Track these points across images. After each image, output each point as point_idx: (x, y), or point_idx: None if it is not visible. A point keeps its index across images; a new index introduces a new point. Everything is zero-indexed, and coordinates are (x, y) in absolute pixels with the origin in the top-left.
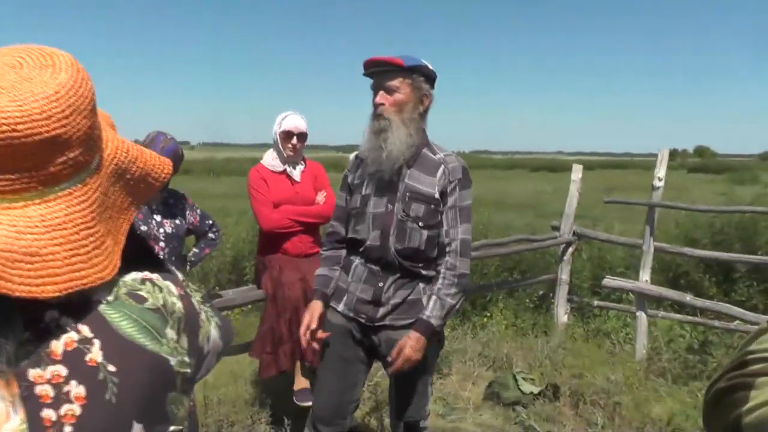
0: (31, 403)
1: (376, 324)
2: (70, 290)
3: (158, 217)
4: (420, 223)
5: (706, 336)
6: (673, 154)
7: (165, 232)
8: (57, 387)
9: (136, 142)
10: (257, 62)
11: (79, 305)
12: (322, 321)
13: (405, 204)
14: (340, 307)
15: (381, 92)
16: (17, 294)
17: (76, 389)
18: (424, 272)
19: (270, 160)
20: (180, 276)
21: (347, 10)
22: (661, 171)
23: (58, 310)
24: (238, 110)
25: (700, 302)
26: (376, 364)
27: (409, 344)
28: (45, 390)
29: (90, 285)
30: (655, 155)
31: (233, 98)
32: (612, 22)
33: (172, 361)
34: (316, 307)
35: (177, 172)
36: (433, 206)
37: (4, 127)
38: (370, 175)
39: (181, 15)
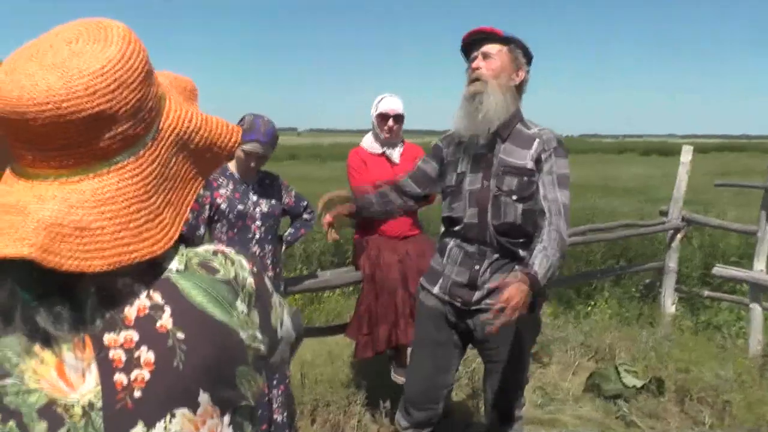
0: (104, 366)
1: (472, 308)
2: (118, 265)
3: (255, 197)
4: (514, 197)
5: None
6: None
7: (261, 211)
8: (129, 352)
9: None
10: (362, 46)
11: (151, 273)
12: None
13: (499, 178)
14: (435, 290)
15: (479, 57)
16: (65, 268)
17: (146, 354)
18: (521, 252)
19: (369, 142)
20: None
21: None
22: None
23: (131, 276)
24: (343, 96)
25: None
26: (473, 350)
27: (517, 292)
28: (118, 354)
29: (139, 259)
30: None
31: (339, 84)
32: None
33: (242, 334)
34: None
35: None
36: (526, 178)
37: (51, 105)
38: (465, 150)
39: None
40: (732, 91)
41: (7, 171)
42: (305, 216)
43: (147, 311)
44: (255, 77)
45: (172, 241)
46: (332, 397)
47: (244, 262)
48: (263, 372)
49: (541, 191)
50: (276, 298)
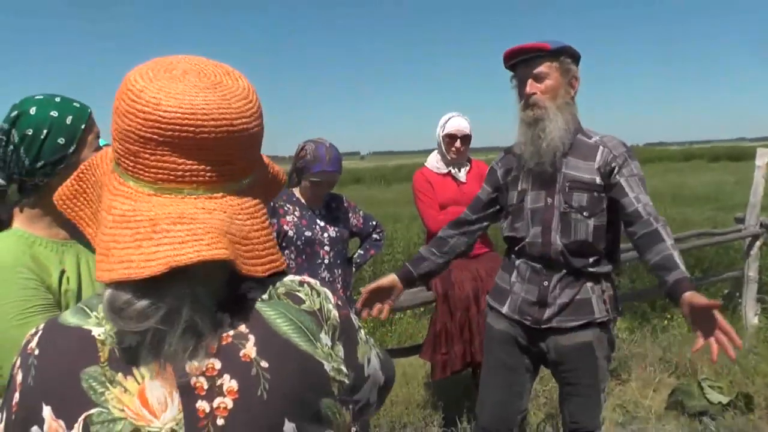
0: (186, 394)
1: (543, 327)
2: (271, 271)
3: (322, 222)
4: (585, 213)
5: None
6: None
7: (329, 236)
8: (211, 379)
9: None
10: (421, 68)
11: (235, 301)
12: (386, 291)
13: (566, 195)
14: (504, 309)
15: (530, 80)
16: (242, 271)
17: (229, 383)
18: (591, 269)
19: (434, 162)
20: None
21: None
22: None
23: (216, 304)
24: (404, 117)
25: None
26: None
27: (701, 301)
28: (200, 382)
29: (281, 268)
30: None
31: (400, 104)
32: None
33: (327, 366)
34: (388, 277)
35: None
36: (596, 193)
37: (224, 122)
38: (527, 169)
39: (352, 27)
40: None
41: (124, 186)
42: (374, 236)
43: (231, 339)
44: (314, 101)
45: (282, 260)
46: (409, 419)
47: (330, 295)
48: (350, 408)
49: (630, 193)
50: (363, 335)
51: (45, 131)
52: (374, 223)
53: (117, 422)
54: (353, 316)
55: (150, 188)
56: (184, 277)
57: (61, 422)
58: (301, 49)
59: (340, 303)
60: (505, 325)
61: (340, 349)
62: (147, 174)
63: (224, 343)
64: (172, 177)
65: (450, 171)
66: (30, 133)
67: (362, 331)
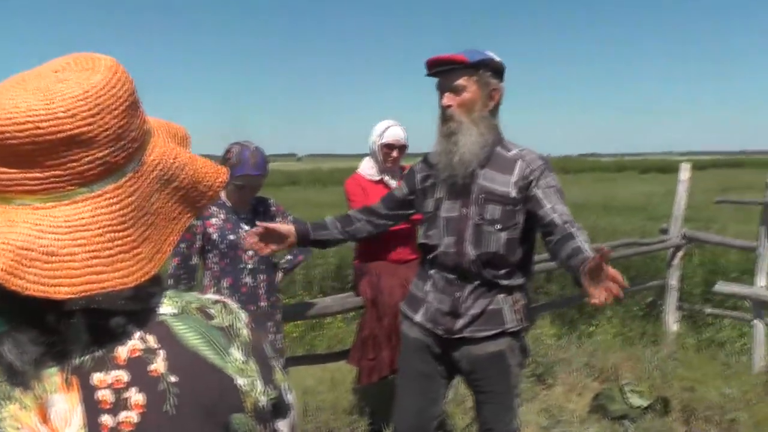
0: (90, 407)
1: (455, 336)
2: (87, 293)
3: (246, 227)
4: (498, 226)
5: None
6: None
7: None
8: (117, 392)
9: (228, 153)
10: (359, 73)
11: (146, 315)
12: (277, 232)
13: (480, 206)
14: (418, 318)
15: (447, 93)
16: (29, 292)
17: (135, 396)
18: (504, 282)
19: (367, 169)
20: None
21: (430, 9)
22: None
23: (125, 317)
24: (342, 120)
25: None
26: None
27: (601, 264)
28: (105, 395)
29: (110, 290)
30: None
31: (337, 108)
32: (720, 10)
33: (239, 380)
34: (287, 227)
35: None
36: (510, 206)
37: (29, 125)
38: (443, 179)
39: (286, 30)
40: (730, 106)
41: None
42: None
43: (140, 353)
44: (252, 103)
45: (148, 276)
46: (335, 424)
47: (242, 316)
48: (269, 426)
49: (547, 204)
50: (278, 364)
51: None
52: None
53: None
54: (266, 345)
55: None
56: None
57: None
58: (237, 47)
59: (252, 326)
60: (419, 334)
61: (253, 364)
62: None
63: (133, 356)
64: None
65: (383, 178)
66: None
67: (278, 361)
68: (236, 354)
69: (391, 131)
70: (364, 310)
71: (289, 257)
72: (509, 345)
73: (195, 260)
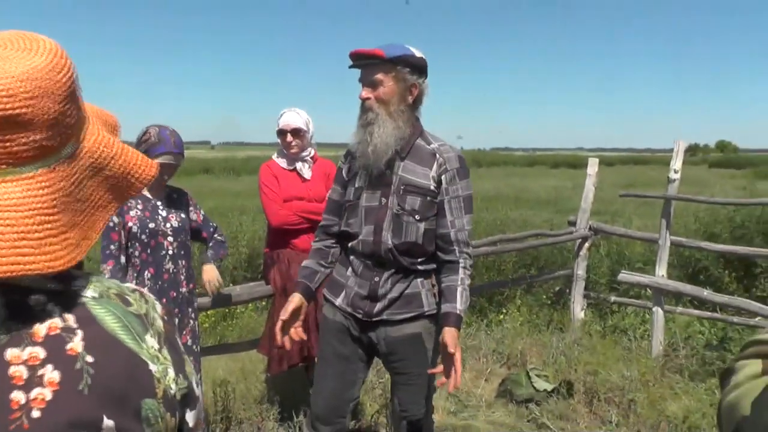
0: (1, 383)
1: (374, 319)
2: (13, 273)
3: (164, 212)
4: (416, 216)
5: (726, 332)
6: (694, 149)
7: (172, 226)
8: (32, 369)
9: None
10: (271, 60)
11: (67, 296)
12: (299, 315)
13: (400, 197)
14: (338, 302)
15: (366, 87)
16: None
17: (50, 374)
18: (421, 267)
19: (280, 157)
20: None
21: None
22: (677, 163)
23: (46, 295)
24: (256, 109)
25: (718, 297)
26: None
27: (452, 343)
28: (19, 371)
29: (37, 272)
30: None
31: (251, 98)
32: (631, 14)
33: (152, 366)
34: (293, 299)
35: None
36: (429, 198)
37: None
38: (361, 167)
39: (194, 15)
40: (636, 107)
41: None
42: (218, 237)
43: (58, 331)
44: (165, 88)
45: (75, 261)
46: (245, 414)
47: (158, 307)
48: (176, 416)
49: (448, 216)
50: (189, 359)
51: None
52: (214, 225)
53: None
54: (178, 338)
55: None
56: None
57: None
58: (147, 32)
59: (166, 317)
60: (339, 317)
61: (167, 353)
62: None
63: (51, 333)
64: None
65: (296, 167)
66: None
67: (189, 358)
68: (151, 341)
69: (283, 117)
70: (274, 299)
71: (211, 251)
72: (426, 328)
73: (123, 259)
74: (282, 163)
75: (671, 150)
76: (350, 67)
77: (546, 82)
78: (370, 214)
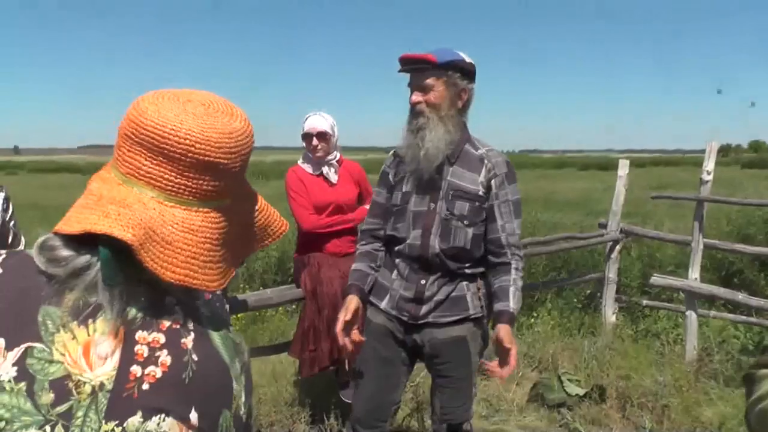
0: (127, 356)
1: (419, 322)
2: (182, 282)
3: None
4: (465, 221)
5: (762, 337)
6: (726, 149)
7: None
8: (152, 350)
9: None
10: (298, 62)
11: (192, 305)
12: (358, 316)
13: (449, 202)
14: (383, 305)
15: (416, 90)
16: (146, 265)
17: (164, 357)
18: (467, 271)
19: (305, 162)
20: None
21: (379, 7)
22: (709, 164)
23: (177, 300)
24: (284, 113)
25: (754, 301)
26: (419, 364)
27: (508, 339)
28: (142, 350)
29: (196, 286)
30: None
31: (277, 101)
32: (661, 14)
33: (234, 384)
34: (352, 301)
35: None
36: (477, 203)
37: (187, 142)
38: (410, 172)
39: (215, 18)
40: (667, 107)
41: (108, 174)
42: None
43: (178, 327)
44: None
45: (220, 287)
46: (276, 417)
47: (245, 346)
48: None
49: (499, 221)
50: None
51: None
52: None
53: (53, 364)
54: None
55: (120, 178)
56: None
57: (7, 341)
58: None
59: (247, 354)
60: (383, 319)
61: (243, 381)
62: (122, 166)
63: (173, 326)
64: (136, 174)
65: (322, 172)
66: None
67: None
68: (236, 365)
69: (308, 121)
70: (305, 302)
71: None
72: (471, 331)
73: None
74: (308, 168)
75: (702, 150)
76: (399, 71)
77: (574, 83)
78: (418, 219)
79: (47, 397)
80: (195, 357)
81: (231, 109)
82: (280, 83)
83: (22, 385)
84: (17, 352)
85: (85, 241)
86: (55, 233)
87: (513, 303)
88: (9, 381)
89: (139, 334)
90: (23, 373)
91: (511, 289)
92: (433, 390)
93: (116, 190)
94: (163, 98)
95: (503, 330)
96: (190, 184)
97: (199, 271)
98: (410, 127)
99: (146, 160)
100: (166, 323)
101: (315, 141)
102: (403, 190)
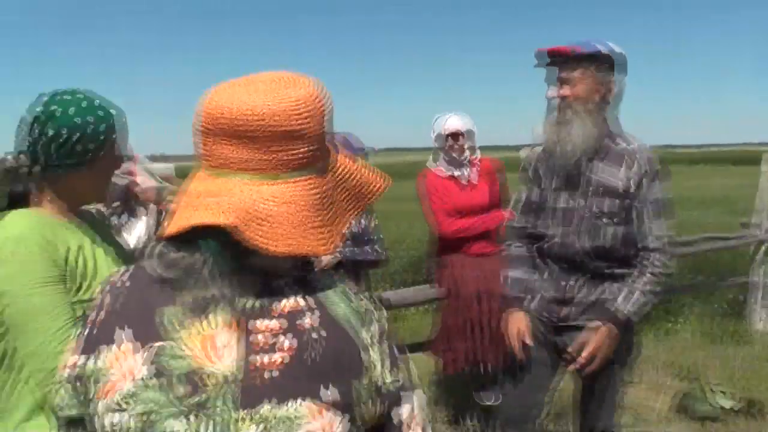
0: (246, 346)
1: (563, 324)
2: (290, 253)
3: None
4: (611, 219)
5: None
6: None
7: (350, 231)
8: (272, 337)
9: None
10: (426, 65)
11: (305, 282)
12: (529, 328)
13: (594, 199)
14: (530, 306)
15: (562, 83)
16: (252, 242)
17: (285, 342)
18: (616, 272)
19: (438, 164)
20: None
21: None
22: None
23: (291, 280)
24: (415, 112)
25: None
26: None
27: (594, 338)
28: (261, 338)
29: (305, 253)
30: None
31: (409, 102)
32: None
33: (363, 354)
34: (521, 317)
35: None
36: (624, 201)
37: (264, 118)
38: (554, 168)
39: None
40: None
41: (201, 172)
42: (377, 248)
43: (295, 308)
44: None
45: (330, 251)
46: None
47: (383, 312)
48: (380, 407)
49: (645, 221)
50: (409, 371)
51: (77, 135)
52: (376, 237)
53: (180, 359)
54: (394, 344)
55: (213, 172)
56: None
57: (137, 344)
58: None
59: (386, 323)
60: (531, 321)
61: (378, 350)
62: (210, 161)
63: (289, 310)
64: (226, 163)
65: (454, 173)
66: (62, 132)
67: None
68: (365, 334)
69: (448, 120)
70: (444, 302)
71: (356, 249)
72: (623, 337)
73: None
74: (442, 169)
75: None
76: (535, 66)
77: (707, 71)
78: (563, 217)
79: (182, 390)
80: (315, 335)
81: (296, 78)
82: (408, 82)
83: (158, 381)
84: (148, 353)
85: (191, 241)
86: (163, 238)
87: (627, 305)
88: (146, 378)
89: (257, 323)
90: (156, 370)
91: (636, 293)
92: (576, 395)
93: (211, 183)
94: (229, 86)
95: (601, 331)
96: (277, 157)
97: (303, 238)
98: (555, 121)
99: (231, 147)
100: (282, 307)
101: (452, 141)
102: (548, 186)
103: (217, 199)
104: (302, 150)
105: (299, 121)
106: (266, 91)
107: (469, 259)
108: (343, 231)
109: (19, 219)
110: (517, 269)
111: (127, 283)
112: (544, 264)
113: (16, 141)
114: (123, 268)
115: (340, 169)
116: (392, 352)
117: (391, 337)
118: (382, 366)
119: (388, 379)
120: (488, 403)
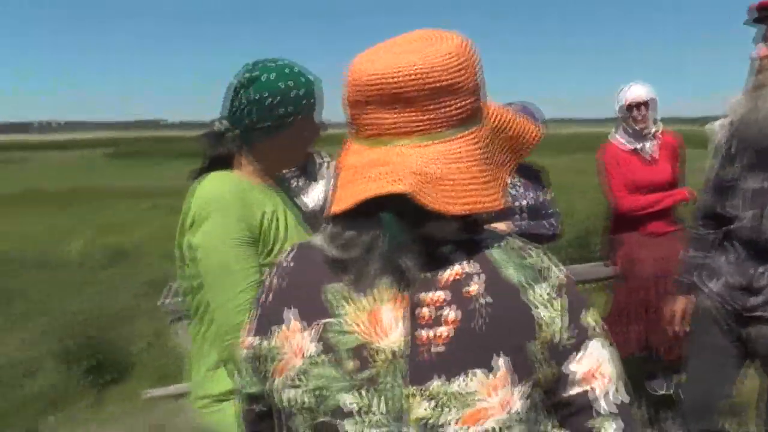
0: (413, 320)
1: (749, 314)
2: (469, 210)
3: (521, 189)
4: None
5: None
6: None
7: (528, 204)
8: (436, 310)
9: None
10: (601, 36)
11: (470, 245)
12: (688, 316)
13: None
14: (711, 289)
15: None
16: (432, 207)
17: (451, 314)
18: None
19: (619, 137)
20: None
21: None
22: None
23: (454, 245)
24: (580, 84)
25: None
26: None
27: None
28: (426, 311)
29: (482, 210)
30: None
31: (576, 72)
32: None
33: (538, 310)
34: (683, 302)
35: None
36: None
37: (415, 77)
38: (746, 143)
39: None
40: None
41: (355, 146)
42: (552, 221)
43: (460, 276)
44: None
45: (500, 205)
46: None
47: (560, 267)
48: (558, 364)
49: None
50: (595, 317)
51: (277, 98)
52: (552, 210)
53: (348, 335)
54: (579, 295)
55: (368, 143)
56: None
57: (304, 323)
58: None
59: (570, 276)
60: (711, 305)
61: (559, 304)
62: (364, 132)
63: (453, 278)
64: (381, 131)
65: (636, 147)
66: (264, 96)
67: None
68: (541, 290)
69: (631, 90)
70: (618, 282)
71: (531, 222)
72: None
73: None
74: (625, 142)
75: None
76: (744, 23)
77: None
78: (752, 198)
79: (351, 365)
80: (482, 301)
81: (440, 34)
82: (581, 51)
83: (327, 357)
84: (316, 330)
85: (356, 218)
86: (331, 217)
87: None
88: (314, 355)
89: (421, 296)
90: (326, 346)
91: None
92: (763, 394)
93: (372, 153)
94: (372, 53)
95: None
96: (434, 116)
97: (479, 193)
98: (751, 83)
99: (386, 113)
100: (446, 277)
101: (636, 112)
102: (737, 164)
103: (384, 168)
104: (460, 104)
105: (453, 75)
106: (413, 51)
107: (646, 239)
108: (503, 186)
109: (219, 180)
110: (694, 252)
111: (292, 264)
112: (728, 248)
113: (222, 107)
114: (288, 248)
115: (497, 120)
116: (573, 303)
117: (571, 291)
118: (561, 322)
119: (566, 335)
120: (661, 392)
